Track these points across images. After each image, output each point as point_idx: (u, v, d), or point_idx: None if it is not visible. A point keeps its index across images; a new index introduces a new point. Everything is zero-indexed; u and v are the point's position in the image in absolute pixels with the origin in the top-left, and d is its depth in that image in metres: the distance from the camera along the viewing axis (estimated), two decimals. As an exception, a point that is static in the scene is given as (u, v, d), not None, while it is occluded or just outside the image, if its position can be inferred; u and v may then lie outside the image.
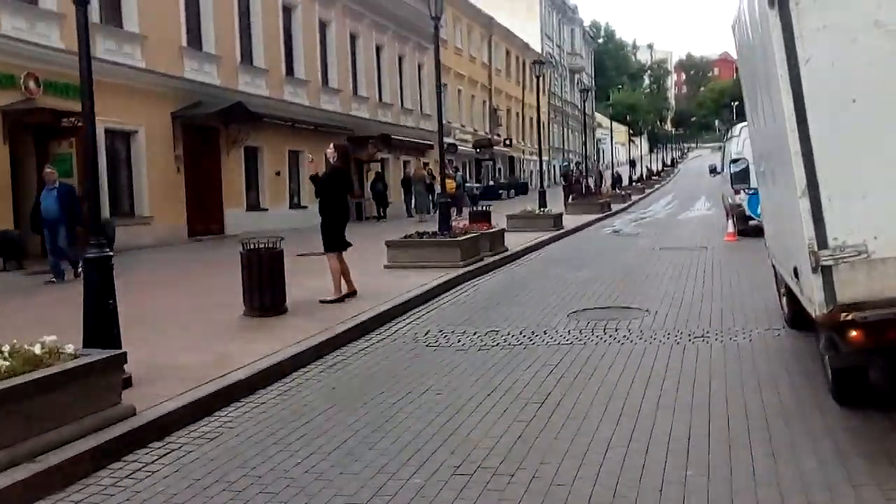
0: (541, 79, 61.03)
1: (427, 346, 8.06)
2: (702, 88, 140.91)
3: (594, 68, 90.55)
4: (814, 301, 4.46)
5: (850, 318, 4.33)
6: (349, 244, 10.05)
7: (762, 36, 4.96)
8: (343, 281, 9.83)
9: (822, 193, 4.36)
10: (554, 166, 63.96)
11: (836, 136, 4.36)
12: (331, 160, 9.85)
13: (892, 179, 4.29)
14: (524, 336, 8.27)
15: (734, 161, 11.89)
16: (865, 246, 4.30)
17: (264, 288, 8.68)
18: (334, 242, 9.74)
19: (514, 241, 17.10)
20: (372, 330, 8.73)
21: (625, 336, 8.05)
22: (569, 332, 8.38)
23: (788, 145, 4.45)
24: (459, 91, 41.82)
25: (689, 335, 7.93)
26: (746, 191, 11.78)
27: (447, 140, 38.03)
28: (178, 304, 10.28)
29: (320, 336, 7.82)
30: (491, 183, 44.06)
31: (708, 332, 8.02)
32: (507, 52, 52.30)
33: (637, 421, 5.26)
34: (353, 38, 29.75)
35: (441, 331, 8.70)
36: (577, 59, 75.08)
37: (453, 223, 16.01)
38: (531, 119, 56.63)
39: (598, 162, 71.95)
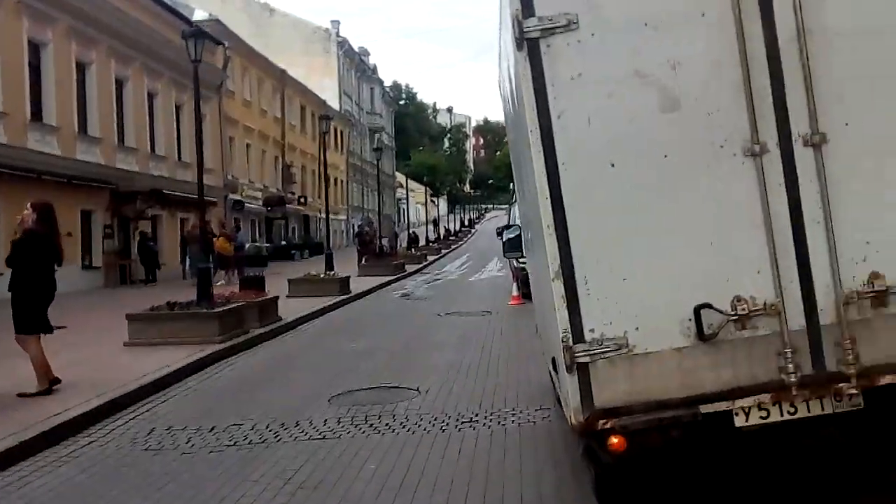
0: (341, 137, 60.79)
1: (146, 449, 6.62)
2: (497, 152, 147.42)
3: (395, 128, 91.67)
4: (569, 405, 3.65)
5: (609, 425, 3.54)
6: (51, 327, 8.19)
7: (515, 87, 4.19)
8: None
9: (577, 275, 3.57)
10: (353, 225, 63.27)
11: (593, 207, 3.59)
12: (28, 222, 8.03)
13: (654, 259, 3.58)
14: (271, 430, 7.08)
15: (507, 227, 11.43)
16: (626, 339, 3.54)
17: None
18: (31, 322, 7.88)
19: (292, 309, 15.88)
20: (81, 430, 7.10)
21: (387, 425, 7.10)
22: (325, 422, 7.30)
23: (540, 216, 3.65)
24: (248, 145, 39.97)
25: (458, 419, 7.15)
26: (519, 260, 11.31)
27: (233, 197, 36.18)
28: None
29: (-6, 447, 6.09)
30: (283, 243, 42.35)
31: (477, 415, 7.26)
32: (303, 108, 51.11)
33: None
34: (119, 83, 26.99)
35: (170, 428, 7.26)
36: (376, 119, 75.50)
37: (218, 289, 14.53)
38: (328, 176, 55.69)
39: (398, 221, 72.23)
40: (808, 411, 3.70)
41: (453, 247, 56.29)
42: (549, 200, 3.58)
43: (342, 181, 60.23)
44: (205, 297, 12.47)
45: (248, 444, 6.66)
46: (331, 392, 8.52)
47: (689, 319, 3.53)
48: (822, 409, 3.70)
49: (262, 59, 42.51)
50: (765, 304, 3.53)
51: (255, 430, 7.09)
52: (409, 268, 32.17)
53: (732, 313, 3.52)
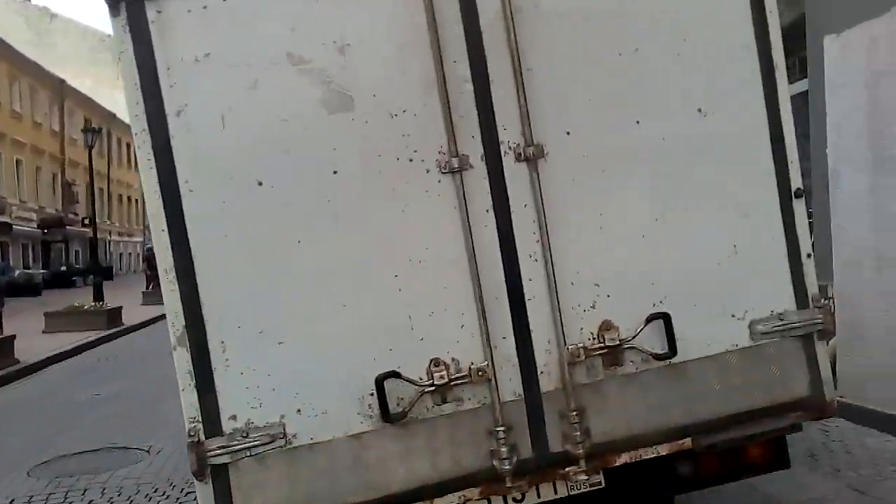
0: (135, 152, 56.23)
1: None
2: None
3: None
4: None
5: None
6: None
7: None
8: None
9: (210, 340, 2.54)
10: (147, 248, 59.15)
11: (232, 244, 2.59)
12: None
13: (320, 314, 2.61)
14: (-69, 522, 5.55)
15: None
16: (283, 426, 2.56)
17: None
18: None
19: (41, 348, 13.88)
20: None
21: (91, 502, 5.72)
22: (10, 503, 5.81)
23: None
24: (19, 161, 35.91)
25: (185, 489, 5.89)
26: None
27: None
28: None
29: None
30: (63, 268, 38.38)
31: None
32: (87, 121, 46.92)
33: None
34: None
35: None
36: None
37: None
38: (121, 196, 51.72)
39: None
40: (539, 497, 2.90)
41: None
42: (166, 234, 2.53)
43: (137, 200, 56.09)
44: None
45: None
46: (37, 459, 7.00)
47: (371, 394, 2.61)
48: (556, 492, 2.91)
49: (35, 66, 38.47)
50: (471, 368, 2.67)
51: None
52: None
53: (428, 382, 2.64)
